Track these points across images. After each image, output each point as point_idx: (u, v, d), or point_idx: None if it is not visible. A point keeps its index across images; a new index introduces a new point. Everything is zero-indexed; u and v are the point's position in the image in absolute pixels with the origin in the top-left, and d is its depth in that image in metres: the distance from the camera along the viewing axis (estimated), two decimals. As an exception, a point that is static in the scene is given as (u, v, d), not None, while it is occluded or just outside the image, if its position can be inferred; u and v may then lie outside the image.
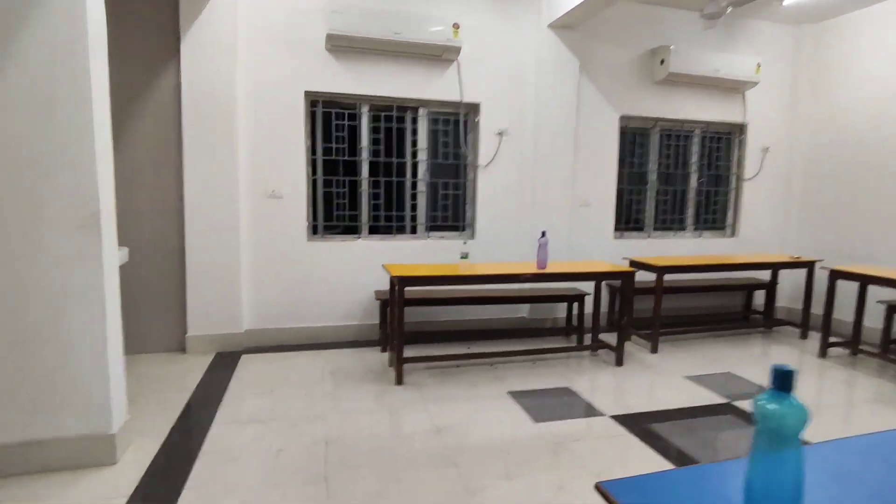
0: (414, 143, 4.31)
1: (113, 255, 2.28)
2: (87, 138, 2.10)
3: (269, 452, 2.39)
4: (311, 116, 4.07)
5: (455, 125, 4.38)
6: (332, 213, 4.21)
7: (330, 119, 4.12)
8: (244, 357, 3.76)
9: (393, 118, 4.22)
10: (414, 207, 4.38)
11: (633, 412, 2.93)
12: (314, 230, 4.18)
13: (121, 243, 3.48)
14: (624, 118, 4.77)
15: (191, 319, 3.79)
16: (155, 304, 3.76)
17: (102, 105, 2.19)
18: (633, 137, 4.91)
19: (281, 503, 2.00)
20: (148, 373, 3.38)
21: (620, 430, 2.69)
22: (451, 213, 4.49)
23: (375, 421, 2.74)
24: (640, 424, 2.76)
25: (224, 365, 3.59)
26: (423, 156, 4.33)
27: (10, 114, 2.02)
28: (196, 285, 3.76)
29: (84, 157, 2.10)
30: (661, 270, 3.93)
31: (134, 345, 3.71)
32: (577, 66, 4.41)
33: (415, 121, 4.29)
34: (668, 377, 3.52)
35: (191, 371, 3.44)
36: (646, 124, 4.90)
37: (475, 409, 2.91)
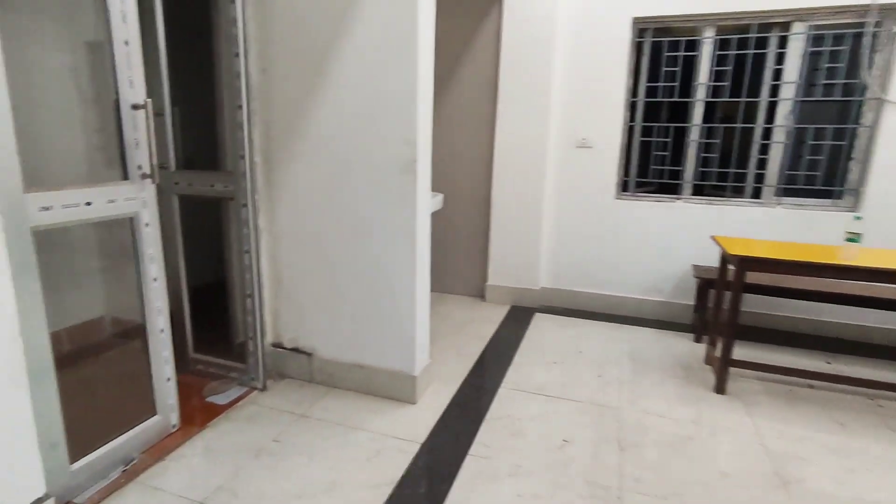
0: (776, 76, 3.18)
1: (426, 202, 2.29)
2: (411, 90, 2.07)
3: (553, 438, 2.12)
4: (637, 50, 3.42)
5: (854, 42, 3.02)
6: (648, 168, 3.55)
7: (658, 52, 3.38)
8: (537, 315, 3.61)
9: (749, 42, 3.18)
10: (762, 163, 3.31)
11: None
12: (624, 186, 3.61)
13: (438, 189, 3.71)
14: None
15: (491, 269, 3.84)
16: (462, 249, 3.93)
17: (426, 62, 2.13)
18: None
19: (564, 513, 1.70)
20: (450, 314, 3.58)
21: None
22: (824, 173, 3.21)
23: (686, 437, 2.16)
24: None
25: (517, 320, 3.51)
26: (787, 92, 3.16)
27: (357, 67, 2.13)
28: (499, 236, 3.76)
29: (407, 108, 2.09)
30: None
31: (442, 285, 4.01)
32: None
33: (783, 43, 3.14)
34: None
35: (487, 321, 3.48)
36: None
37: (848, 467, 1.99)
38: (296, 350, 2.52)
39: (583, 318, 3.60)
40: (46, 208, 1.50)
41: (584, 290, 3.75)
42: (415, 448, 2.03)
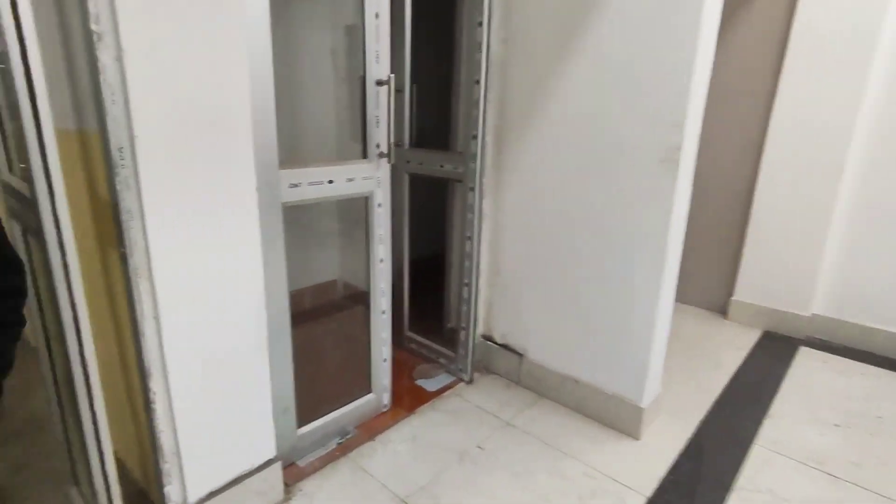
0: None
1: (684, 198, 1.81)
2: (688, 59, 1.60)
3: (847, 546, 1.51)
4: None
5: None
6: None
7: None
8: (803, 350, 2.78)
9: None
10: None
11: None
12: (982, 189, 2.47)
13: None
14: None
15: (740, 281, 3.08)
16: (705, 252, 3.24)
17: (711, 19, 1.62)
18: None
19: None
20: (683, 329, 2.98)
21: None
22: None
23: None
24: None
25: (774, 352, 2.75)
26: None
27: (617, 30, 1.75)
28: (758, 242, 2.97)
29: (678, 80, 1.63)
30: None
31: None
32: None
33: None
34: None
35: (731, 346, 2.80)
36: None
37: None
38: (506, 347, 2.33)
39: (878, 365, 2.64)
40: (295, 185, 1.53)
41: (884, 329, 2.74)
42: (639, 502, 1.65)
